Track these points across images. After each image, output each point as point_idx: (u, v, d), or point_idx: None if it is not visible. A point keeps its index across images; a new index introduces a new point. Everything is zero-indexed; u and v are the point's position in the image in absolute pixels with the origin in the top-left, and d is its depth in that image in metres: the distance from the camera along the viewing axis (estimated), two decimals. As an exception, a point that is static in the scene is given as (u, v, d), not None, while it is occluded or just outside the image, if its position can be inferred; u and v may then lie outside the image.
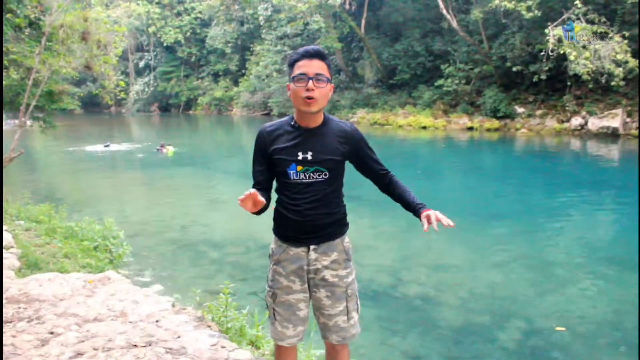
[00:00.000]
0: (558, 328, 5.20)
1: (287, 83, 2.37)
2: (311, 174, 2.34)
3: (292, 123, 2.38)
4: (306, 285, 2.46)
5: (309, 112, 2.29)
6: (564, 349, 5.04)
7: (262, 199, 2.21)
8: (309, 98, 2.24)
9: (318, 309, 2.50)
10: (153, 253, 8.12)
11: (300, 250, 2.42)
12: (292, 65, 2.31)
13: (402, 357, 4.95)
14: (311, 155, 2.33)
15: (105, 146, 23.25)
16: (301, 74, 2.24)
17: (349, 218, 2.56)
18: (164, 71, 54.24)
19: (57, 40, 9.32)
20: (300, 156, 2.33)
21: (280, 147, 2.35)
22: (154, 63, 55.31)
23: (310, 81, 2.23)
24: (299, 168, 2.34)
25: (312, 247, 2.42)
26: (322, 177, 2.36)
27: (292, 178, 2.36)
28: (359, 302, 2.56)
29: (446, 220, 2.29)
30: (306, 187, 2.36)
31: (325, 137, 2.36)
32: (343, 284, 2.46)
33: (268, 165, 2.42)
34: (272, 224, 2.55)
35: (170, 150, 21.07)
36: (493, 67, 27.09)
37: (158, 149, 21.20)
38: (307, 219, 2.38)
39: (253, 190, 2.19)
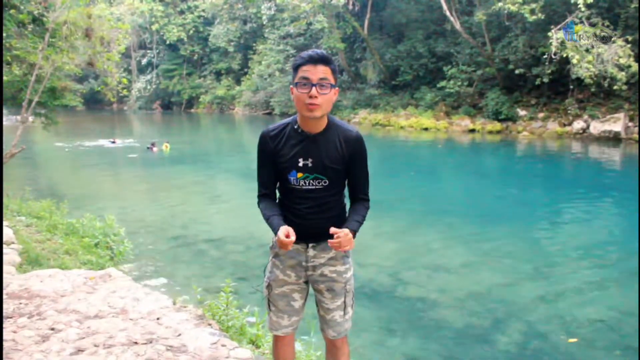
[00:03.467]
0: (571, 340, 5.15)
1: (291, 86, 2.34)
2: (311, 181, 2.35)
3: (295, 127, 2.37)
4: (302, 279, 2.51)
5: (312, 117, 2.27)
6: (563, 350, 5.04)
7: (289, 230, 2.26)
8: (312, 104, 2.22)
9: (319, 301, 2.56)
10: (154, 250, 8.12)
11: (299, 247, 2.46)
12: (296, 68, 2.28)
13: (402, 358, 4.95)
14: (311, 163, 2.33)
15: (112, 142, 23.38)
16: (304, 78, 2.22)
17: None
18: (166, 69, 54.17)
19: (60, 36, 9.33)
20: (301, 163, 2.33)
21: (282, 152, 2.36)
22: (156, 61, 55.25)
23: (314, 88, 2.21)
24: (299, 175, 2.35)
25: (310, 244, 2.45)
26: (322, 185, 2.37)
27: (292, 184, 2.37)
28: (354, 298, 2.60)
29: (340, 244, 2.23)
30: (306, 194, 2.37)
31: (328, 143, 2.35)
32: (342, 280, 2.50)
33: (273, 167, 2.42)
34: None
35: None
36: (496, 69, 27.06)
37: (149, 147, 21.10)
38: (308, 222, 2.41)
39: (283, 236, 2.22)
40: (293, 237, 2.22)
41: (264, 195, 2.47)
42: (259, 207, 2.47)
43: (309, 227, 2.40)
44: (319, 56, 2.25)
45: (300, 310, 2.56)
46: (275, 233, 2.28)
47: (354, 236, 2.30)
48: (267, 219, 2.38)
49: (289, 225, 2.38)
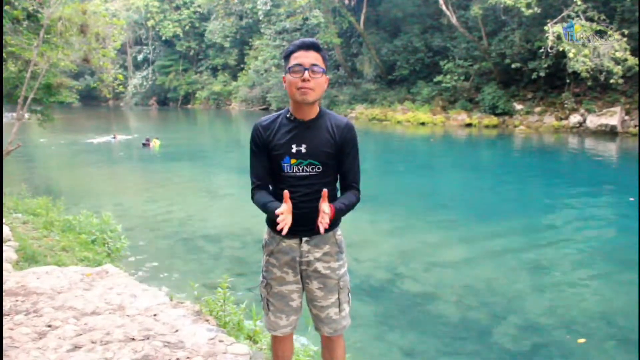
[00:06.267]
0: (580, 340, 5.14)
1: (283, 75, 2.36)
2: (305, 167, 2.34)
3: (288, 115, 2.39)
4: (299, 277, 2.48)
5: (305, 102, 2.28)
6: (560, 345, 5.06)
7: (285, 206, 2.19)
8: (305, 88, 2.24)
9: (310, 300, 2.53)
10: (151, 247, 8.12)
11: (293, 242, 2.43)
12: (287, 57, 2.31)
13: (399, 353, 4.96)
14: (305, 148, 2.33)
15: (113, 138, 23.46)
16: (297, 64, 2.25)
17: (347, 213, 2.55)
18: (162, 65, 54.07)
19: (55, 32, 9.26)
20: (295, 149, 2.33)
21: (275, 139, 2.36)
22: (152, 57, 55.11)
23: (307, 72, 2.23)
24: (293, 161, 2.34)
25: (304, 239, 2.43)
26: (316, 171, 2.35)
27: (286, 171, 2.36)
28: (350, 294, 2.58)
29: (323, 219, 2.19)
30: (300, 180, 2.36)
31: (320, 130, 2.36)
32: (335, 276, 2.48)
33: (266, 158, 2.41)
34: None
35: (156, 143, 20.96)
36: (492, 63, 27.06)
37: (144, 144, 21.02)
38: (301, 211, 2.35)
39: (280, 210, 2.17)
40: (287, 213, 2.16)
41: (258, 186, 2.43)
42: (253, 200, 2.43)
43: (302, 216, 2.36)
44: (310, 43, 2.30)
45: (299, 309, 2.54)
46: (273, 215, 2.23)
47: (334, 215, 2.28)
48: (264, 206, 2.34)
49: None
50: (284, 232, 2.15)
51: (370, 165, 15.90)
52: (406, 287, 6.53)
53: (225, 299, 4.10)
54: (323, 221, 2.18)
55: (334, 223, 2.49)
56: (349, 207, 2.41)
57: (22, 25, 9.52)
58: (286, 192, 2.20)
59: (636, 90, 21.67)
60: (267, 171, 2.43)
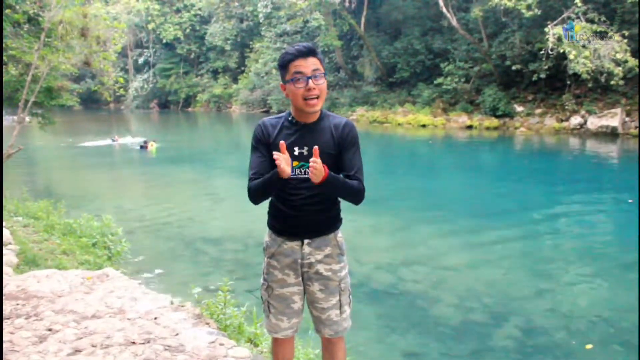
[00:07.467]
0: (588, 346, 5.11)
1: (281, 83, 2.35)
2: (306, 170, 2.32)
3: (290, 118, 2.39)
4: (300, 279, 2.48)
5: (314, 112, 2.30)
6: (562, 346, 5.05)
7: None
8: (312, 98, 2.24)
9: (311, 302, 2.53)
10: (152, 250, 8.11)
11: (294, 244, 2.44)
12: (286, 65, 2.28)
13: (401, 355, 4.95)
14: (307, 151, 2.33)
15: (113, 140, 23.47)
16: (298, 72, 2.24)
17: (348, 215, 2.56)
18: (163, 68, 54.06)
19: (56, 36, 9.28)
20: (297, 151, 2.34)
21: (277, 141, 2.33)
22: (153, 60, 55.12)
23: (310, 81, 2.23)
24: (295, 163, 2.33)
25: (306, 241, 2.43)
26: None
27: None
28: (351, 296, 2.58)
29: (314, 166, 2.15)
30: (302, 183, 2.35)
31: (322, 132, 2.36)
32: (337, 278, 2.48)
33: (267, 154, 2.38)
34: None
35: (153, 147, 20.84)
36: (493, 65, 27.05)
37: (143, 146, 20.85)
38: (303, 213, 2.38)
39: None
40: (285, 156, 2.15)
41: (255, 180, 2.36)
42: (250, 192, 2.35)
43: (304, 219, 2.38)
44: (307, 49, 2.27)
45: (300, 312, 2.54)
46: (275, 178, 2.19)
47: (326, 178, 2.18)
48: (262, 182, 2.29)
49: (283, 219, 2.40)
50: (284, 173, 2.13)
51: (371, 167, 15.85)
52: (407, 289, 6.52)
53: (226, 302, 4.10)
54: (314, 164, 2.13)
55: (334, 225, 2.50)
56: (347, 185, 2.32)
57: (23, 28, 9.55)
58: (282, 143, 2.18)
59: (637, 91, 21.64)
60: (267, 168, 2.36)
